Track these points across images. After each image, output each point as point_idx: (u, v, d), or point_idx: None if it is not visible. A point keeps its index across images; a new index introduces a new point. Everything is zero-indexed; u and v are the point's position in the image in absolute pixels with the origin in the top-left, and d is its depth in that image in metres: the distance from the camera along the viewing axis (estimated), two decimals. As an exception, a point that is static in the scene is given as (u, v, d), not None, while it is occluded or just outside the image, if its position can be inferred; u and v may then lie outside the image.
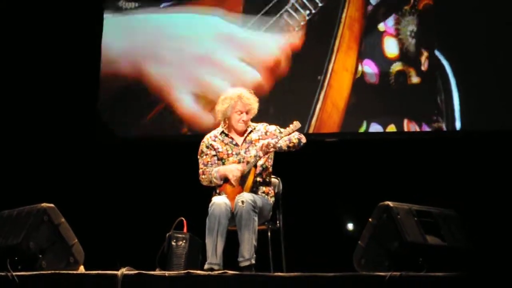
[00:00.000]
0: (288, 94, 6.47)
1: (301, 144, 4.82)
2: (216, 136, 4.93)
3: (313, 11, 6.54)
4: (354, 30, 6.48)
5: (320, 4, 6.53)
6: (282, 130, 4.85)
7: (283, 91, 6.48)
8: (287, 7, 6.57)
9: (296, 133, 4.82)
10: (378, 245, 4.09)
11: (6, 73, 6.79)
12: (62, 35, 6.85)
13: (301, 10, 6.54)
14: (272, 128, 4.92)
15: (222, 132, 4.93)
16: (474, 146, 6.13)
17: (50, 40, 6.85)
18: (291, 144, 4.78)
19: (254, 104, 4.89)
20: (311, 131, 6.37)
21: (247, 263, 4.44)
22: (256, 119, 4.98)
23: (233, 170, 4.76)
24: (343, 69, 6.44)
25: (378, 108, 6.37)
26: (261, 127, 4.95)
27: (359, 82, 6.40)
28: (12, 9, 6.83)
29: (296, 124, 4.81)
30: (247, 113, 4.86)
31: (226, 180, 4.79)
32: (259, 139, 4.87)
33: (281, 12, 6.57)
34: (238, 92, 4.89)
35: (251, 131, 4.92)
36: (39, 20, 6.88)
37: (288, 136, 4.78)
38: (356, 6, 6.49)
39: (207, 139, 4.94)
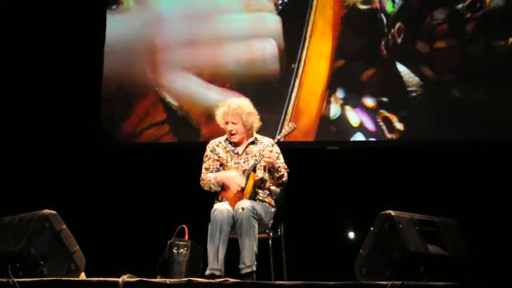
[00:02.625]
0: (263, 85, 6.46)
1: (282, 179, 4.83)
2: (220, 142, 4.99)
3: None
4: (327, 15, 6.44)
5: (291, -9, 6.53)
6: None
7: (257, 82, 6.47)
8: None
9: (285, 173, 4.84)
10: (380, 254, 4.09)
11: (6, 78, 6.80)
12: (63, 38, 6.84)
13: None
14: (276, 149, 4.91)
15: (227, 139, 4.97)
16: (476, 155, 6.12)
17: (52, 45, 6.85)
18: (281, 173, 4.80)
19: (244, 116, 4.87)
20: (287, 119, 6.31)
21: (248, 270, 4.44)
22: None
23: (230, 178, 4.77)
24: (319, 55, 6.41)
25: (357, 95, 6.35)
26: (266, 141, 4.95)
27: (337, 68, 6.38)
28: (12, 9, 6.83)
29: (291, 126, 4.90)
30: (233, 123, 4.87)
31: (223, 187, 4.82)
32: (263, 150, 4.88)
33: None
34: (230, 101, 4.92)
35: (252, 142, 4.94)
36: (40, 25, 6.89)
37: (281, 170, 4.80)
38: None
39: (212, 143, 5.00)
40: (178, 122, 6.64)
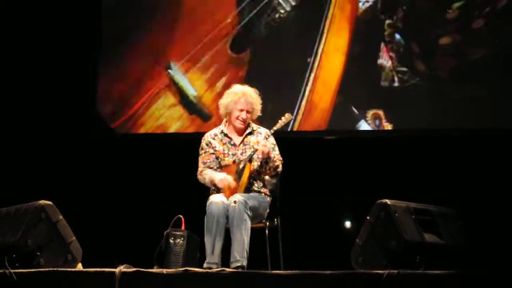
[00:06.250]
0: (277, 77, 6.51)
1: (277, 170, 4.85)
2: (216, 135, 4.96)
3: None
4: (346, 10, 6.48)
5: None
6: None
7: (272, 74, 6.52)
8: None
9: (280, 164, 4.85)
10: (376, 243, 4.09)
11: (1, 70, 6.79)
12: (59, 30, 6.83)
13: None
14: (272, 140, 4.92)
15: (222, 131, 4.95)
16: (473, 144, 6.13)
17: (47, 36, 6.83)
18: (276, 164, 4.82)
19: (257, 105, 4.90)
20: (300, 113, 6.39)
21: (238, 264, 4.42)
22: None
23: (223, 180, 4.74)
24: (335, 50, 6.46)
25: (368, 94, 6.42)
26: (263, 132, 4.94)
27: (352, 64, 6.44)
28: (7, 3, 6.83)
29: (288, 117, 4.91)
30: (247, 112, 4.86)
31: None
32: (257, 142, 4.86)
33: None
34: (243, 89, 4.92)
35: (250, 133, 4.93)
36: (37, 18, 6.87)
37: (276, 160, 4.82)
38: None
39: (207, 136, 4.97)
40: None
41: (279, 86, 6.45)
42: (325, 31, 6.45)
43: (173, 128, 6.69)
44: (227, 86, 6.23)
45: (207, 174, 4.83)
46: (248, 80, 6.22)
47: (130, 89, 6.77)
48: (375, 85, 6.38)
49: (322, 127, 6.43)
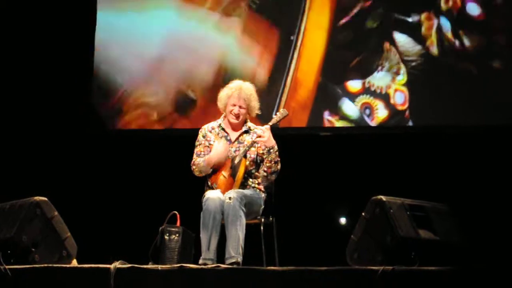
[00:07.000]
0: (261, 56, 6.56)
1: (277, 168, 4.79)
2: (213, 128, 4.96)
3: None
4: None
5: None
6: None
7: (257, 53, 6.57)
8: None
9: (279, 161, 4.80)
10: (371, 239, 4.10)
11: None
12: (54, 26, 6.82)
13: None
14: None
15: (220, 125, 4.95)
16: (467, 140, 6.14)
17: (41, 32, 6.82)
18: (276, 159, 4.77)
19: (252, 101, 4.87)
20: (286, 90, 6.46)
21: (233, 260, 4.42)
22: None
23: (218, 154, 4.75)
24: (317, 27, 6.52)
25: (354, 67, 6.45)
26: (259, 131, 4.91)
27: (335, 39, 6.50)
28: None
29: (283, 112, 4.88)
30: (240, 107, 4.84)
31: (215, 170, 4.79)
32: (251, 141, 4.85)
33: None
34: (240, 84, 4.90)
35: (246, 131, 4.92)
36: (31, 12, 6.85)
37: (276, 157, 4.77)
38: None
39: (204, 128, 4.97)
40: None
41: (264, 64, 6.49)
42: (306, 9, 6.52)
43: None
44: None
45: (199, 160, 4.81)
46: (232, 61, 6.39)
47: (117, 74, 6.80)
48: (361, 60, 6.43)
49: (308, 105, 6.45)
